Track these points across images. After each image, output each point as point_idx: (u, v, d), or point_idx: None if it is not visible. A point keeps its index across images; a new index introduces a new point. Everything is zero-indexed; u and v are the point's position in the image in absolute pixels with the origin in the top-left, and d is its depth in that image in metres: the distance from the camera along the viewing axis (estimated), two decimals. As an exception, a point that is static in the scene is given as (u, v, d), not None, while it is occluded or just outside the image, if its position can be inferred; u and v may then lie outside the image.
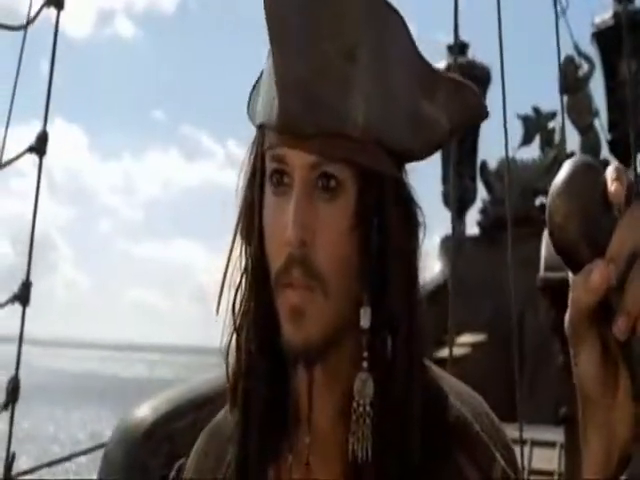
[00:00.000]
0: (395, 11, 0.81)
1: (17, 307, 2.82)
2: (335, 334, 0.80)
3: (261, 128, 0.84)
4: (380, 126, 0.79)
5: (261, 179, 0.83)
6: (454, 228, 2.13)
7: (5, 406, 2.64)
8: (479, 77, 8.44)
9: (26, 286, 2.62)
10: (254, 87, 0.88)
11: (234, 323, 0.85)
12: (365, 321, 0.79)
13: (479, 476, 0.81)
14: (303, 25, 0.78)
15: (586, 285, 0.58)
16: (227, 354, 0.85)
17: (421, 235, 0.84)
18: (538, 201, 9.24)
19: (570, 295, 0.60)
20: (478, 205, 10.19)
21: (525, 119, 9.63)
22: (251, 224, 0.84)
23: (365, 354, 0.79)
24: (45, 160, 2.80)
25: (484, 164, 10.01)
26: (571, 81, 8.69)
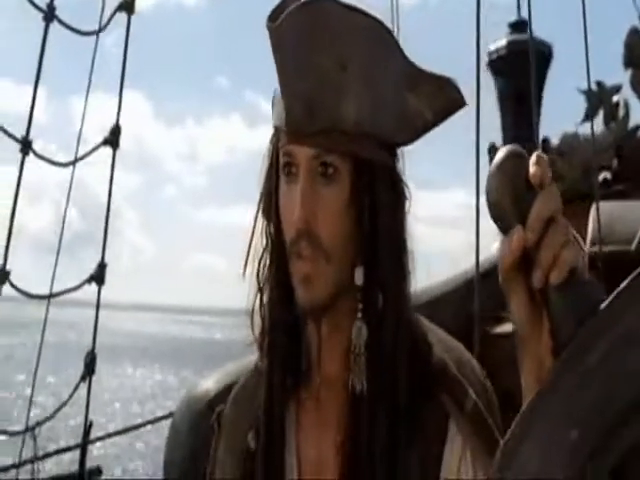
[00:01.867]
0: (383, 25, 0.99)
1: (89, 269, 2.97)
2: (337, 293, 0.99)
3: (276, 130, 1.03)
4: (370, 122, 0.97)
5: (276, 170, 1.03)
6: (478, 213, 2.19)
7: (83, 378, 2.82)
8: (540, 53, 8.31)
9: (101, 267, 2.78)
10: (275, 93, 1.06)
11: (258, 285, 1.05)
12: (359, 279, 0.98)
13: (456, 410, 0.99)
14: (302, 45, 0.96)
15: (509, 246, 0.73)
16: (253, 314, 1.05)
17: (408, 209, 1.03)
18: (602, 176, 9.06)
19: (498, 254, 0.75)
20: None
21: (588, 93, 9.42)
22: (269, 206, 1.04)
23: (360, 306, 0.99)
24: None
25: (546, 140, 9.84)
26: (636, 53, 8.49)
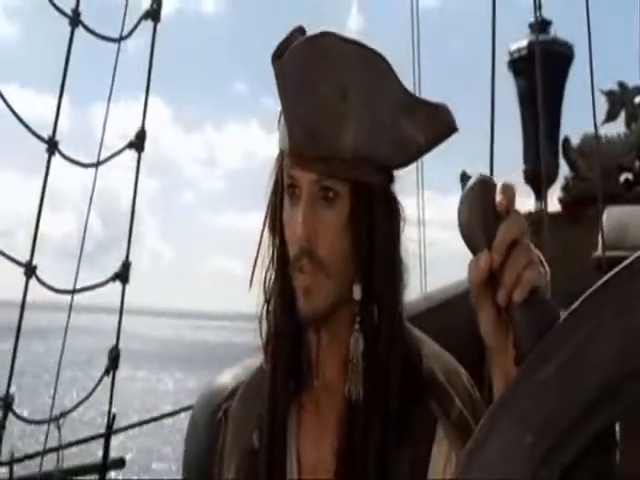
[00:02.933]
0: (381, 57, 1.04)
1: (106, 268, 3.03)
2: (336, 305, 1.07)
3: (281, 151, 1.10)
4: (368, 148, 1.04)
5: (281, 188, 1.09)
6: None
7: (107, 372, 2.90)
8: (561, 54, 8.28)
9: (126, 266, 2.86)
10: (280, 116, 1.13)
11: (265, 295, 1.12)
12: (357, 294, 1.06)
13: (443, 417, 1.06)
14: (304, 74, 1.02)
15: (476, 267, 0.80)
16: (261, 322, 1.12)
17: (402, 227, 1.10)
18: (623, 177, 9.01)
19: (467, 274, 0.81)
20: (560, 182, 10.02)
21: (609, 94, 9.36)
22: (275, 221, 1.11)
23: (358, 319, 1.06)
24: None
25: (567, 140, 9.78)
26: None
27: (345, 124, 1.03)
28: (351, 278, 1.07)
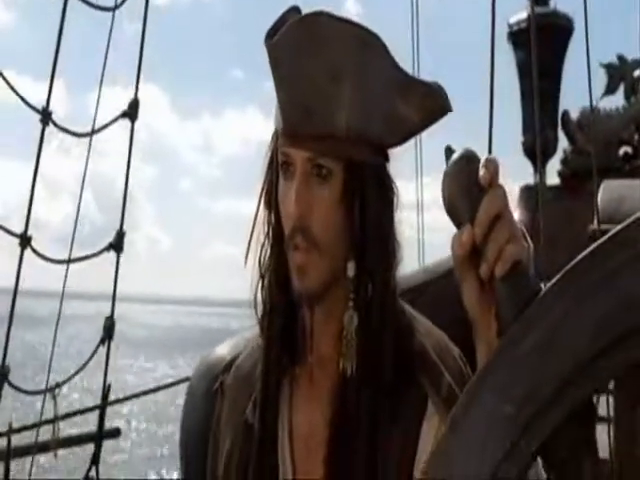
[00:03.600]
0: (375, 36, 1.04)
1: (104, 263, 3.04)
2: (329, 283, 1.07)
3: (275, 131, 1.10)
4: (361, 127, 1.04)
5: (276, 166, 1.10)
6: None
7: (102, 342, 2.92)
8: (560, 26, 8.24)
9: (120, 236, 2.86)
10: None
11: (260, 272, 1.13)
12: (351, 271, 1.07)
13: (433, 392, 1.07)
14: (297, 55, 1.03)
15: (458, 241, 0.81)
16: (256, 298, 1.13)
17: (395, 205, 1.10)
18: (622, 151, 9.00)
19: (451, 248, 0.82)
20: (560, 155, 10.00)
21: (609, 67, 9.31)
22: (270, 198, 1.11)
23: (351, 296, 1.07)
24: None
25: (566, 114, 9.74)
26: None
27: (338, 103, 1.03)
28: (345, 255, 1.07)
